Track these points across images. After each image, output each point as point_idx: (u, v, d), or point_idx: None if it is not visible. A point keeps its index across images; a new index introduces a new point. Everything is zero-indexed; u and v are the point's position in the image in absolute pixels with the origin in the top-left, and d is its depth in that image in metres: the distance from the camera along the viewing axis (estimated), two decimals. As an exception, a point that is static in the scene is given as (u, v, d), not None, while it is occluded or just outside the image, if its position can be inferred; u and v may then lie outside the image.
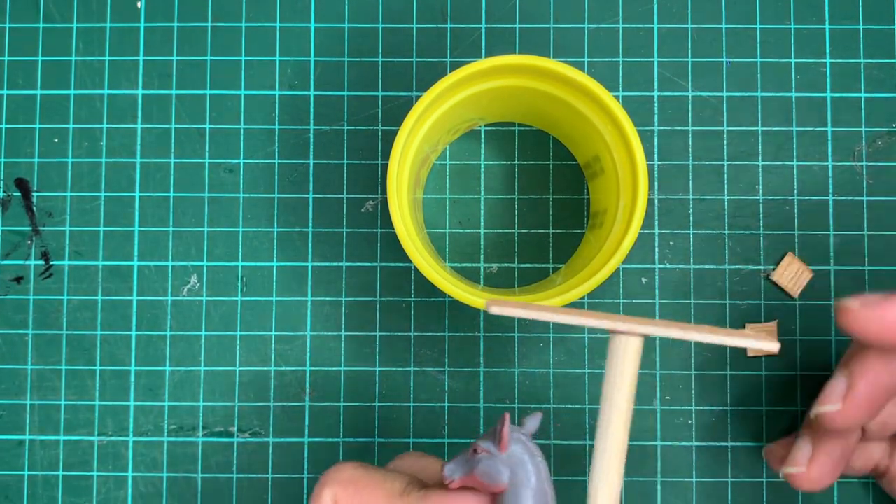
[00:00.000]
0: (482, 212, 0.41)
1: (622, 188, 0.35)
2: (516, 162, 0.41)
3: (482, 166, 0.41)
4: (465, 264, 0.41)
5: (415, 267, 0.40)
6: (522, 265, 0.41)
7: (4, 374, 0.40)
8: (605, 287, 0.40)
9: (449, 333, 0.40)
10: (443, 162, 0.41)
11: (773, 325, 0.38)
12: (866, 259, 0.41)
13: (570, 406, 0.40)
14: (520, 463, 0.27)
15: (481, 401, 0.40)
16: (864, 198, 0.41)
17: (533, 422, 0.28)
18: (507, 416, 0.27)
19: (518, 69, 0.35)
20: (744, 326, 0.40)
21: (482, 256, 0.41)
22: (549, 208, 0.41)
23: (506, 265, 0.41)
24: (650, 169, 0.41)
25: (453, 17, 0.42)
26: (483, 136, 0.41)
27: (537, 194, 0.41)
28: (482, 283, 0.41)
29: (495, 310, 0.26)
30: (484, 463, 0.27)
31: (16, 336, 0.41)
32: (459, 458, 0.28)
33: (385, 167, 0.41)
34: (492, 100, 0.37)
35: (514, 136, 0.41)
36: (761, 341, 0.25)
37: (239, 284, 0.41)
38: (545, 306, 0.27)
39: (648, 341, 0.40)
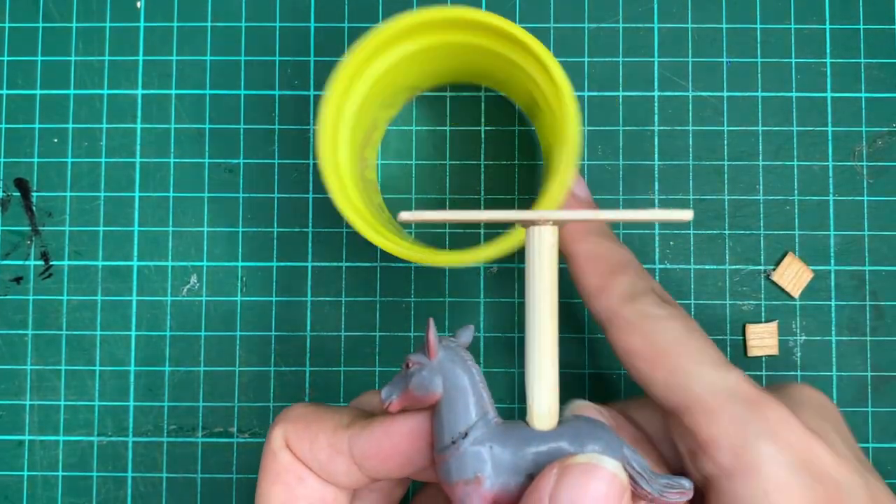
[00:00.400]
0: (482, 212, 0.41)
1: (557, 130, 0.34)
2: (515, 162, 0.41)
3: (482, 166, 0.41)
4: (465, 264, 0.41)
5: (415, 267, 0.40)
6: (522, 265, 0.41)
7: (4, 374, 0.40)
8: (606, 287, 0.40)
9: (449, 334, 0.40)
10: (432, 162, 0.41)
11: (773, 325, 0.38)
12: (866, 259, 0.41)
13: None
14: (451, 368, 0.26)
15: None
16: (865, 198, 0.41)
17: (466, 333, 0.28)
18: (431, 321, 0.26)
19: (445, 23, 0.34)
20: (744, 328, 0.40)
21: (482, 256, 0.41)
22: (549, 208, 0.41)
23: (506, 265, 0.41)
24: (651, 169, 0.41)
25: (453, 16, 0.42)
26: (483, 138, 0.41)
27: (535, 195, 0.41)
28: (482, 282, 0.40)
29: (405, 216, 0.25)
30: (416, 375, 0.26)
31: (15, 336, 0.41)
32: (394, 379, 0.27)
33: (385, 167, 0.41)
34: (424, 60, 0.36)
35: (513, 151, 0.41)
36: (671, 211, 0.25)
37: (239, 284, 0.41)
38: (456, 211, 0.27)
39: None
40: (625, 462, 0.25)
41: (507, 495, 0.25)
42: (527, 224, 0.26)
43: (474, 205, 0.41)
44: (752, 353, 0.40)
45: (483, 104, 0.41)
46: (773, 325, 0.40)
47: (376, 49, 0.34)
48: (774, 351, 0.39)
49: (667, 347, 0.29)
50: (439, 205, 0.41)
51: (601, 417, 0.28)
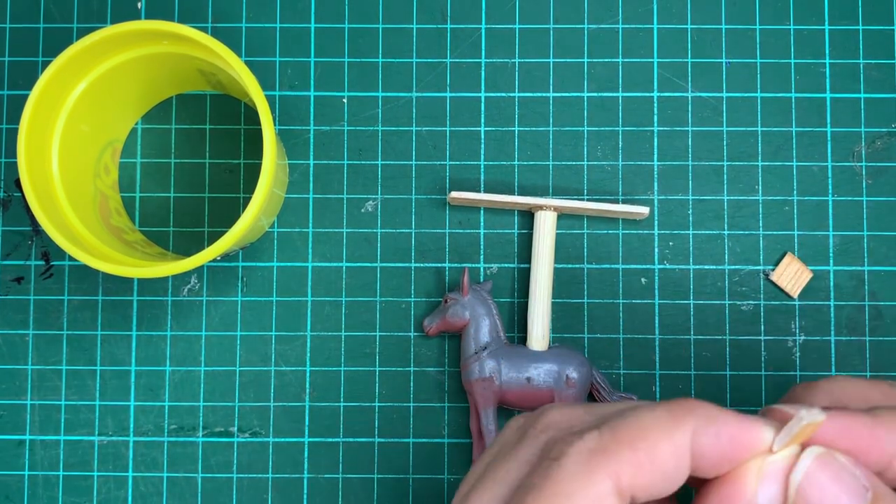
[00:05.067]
0: (482, 212, 0.41)
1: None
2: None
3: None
4: (465, 264, 0.41)
5: (415, 267, 0.40)
6: (522, 265, 0.41)
7: (5, 374, 0.40)
8: (605, 287, 0.40)
9: (448, 333, 0.40)
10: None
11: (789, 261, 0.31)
12: (866, 259, 0.41)
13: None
14: (476, 304, 0.39)
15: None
16: (864, 198, 0.41)
17: (487, 283, 0.39)
18: (467, 269, 0.39)
19: (132, 37, 0.35)
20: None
21: (482, 256, 0.41)
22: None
23: (506, 265, 0.41)
24: (651, 169, 0.41)
25: (453, 17, 0.42)
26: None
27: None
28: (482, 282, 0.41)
29: (455, 195, 0.39)
30: (451, 308, 0.39)
31: (16, 336, 0.41)
32: (434, 312, 0.39)
33: (385, 167, 0.41)
34: (129, 74, 0.38)
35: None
36: (631, 207, 0.39)
37: (239, 284, 0.41)
38: (491, 195, 0.39)
39: (649, 343, 0.40)
40: (593, 377, 0.39)
41: (509, 391, 0.38)
42: (535, 208, 0.39)
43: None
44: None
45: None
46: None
47: (70, 67, 0.35)
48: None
49: None
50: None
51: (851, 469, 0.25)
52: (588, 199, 0.40)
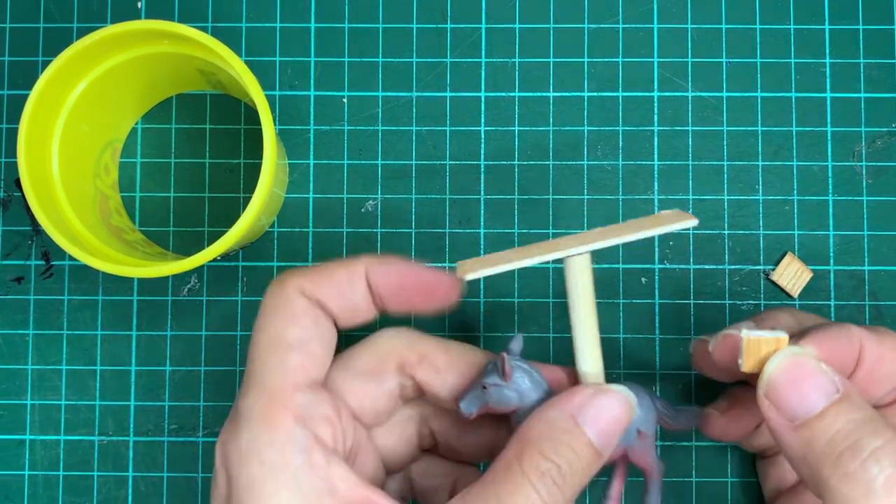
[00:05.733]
0: (482, 212, 0.41)
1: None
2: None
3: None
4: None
5: (415, 267, 0.40)
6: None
7: (5, 374, 0.40)
8: (605, 286, 0.40)
9: (449, 333, 0.40)
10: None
11: (784, 337, 0.32)
12: (866, 259, 0.41)
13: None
14: (523, 384, 0.32)
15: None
16: (864, 198, 0.41)
17: (516, 343, 0.33)
18: (505, 356, 0.31)
19: (132, 36, 0.35)
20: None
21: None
22: (549, 208, 0.41)
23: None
24: (651, 169, 0.41)
25: (453, 17, 0.42)
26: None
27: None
28: (482, 283, 0.41)
29: (467, 277, 0.31)
30: (495, 394, 0.31)
31: (16, 336, 0.41)
32: (470, 394, 0.32)
33: (385, 167, 0.41)
34: (128, 74, 0.38)
35: (514, 136, 0.41)
36: (677, 221, 0.30)
37: (239, 284, 0.41)
38: (508, 264, 0.31)
39: (649, 343, 0.40)
40: (658, 410, 0.33)
41: None
42: (566, 257, 0.31)
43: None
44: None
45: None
46: (786, 337, 0.35)
47: (70, 67, 0.35)
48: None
49: None
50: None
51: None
52: (621, 224, 0.33)
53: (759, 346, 0.29)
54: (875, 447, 0.27)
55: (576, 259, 0.31)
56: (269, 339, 0.30)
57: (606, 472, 0.35)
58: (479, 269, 0.31)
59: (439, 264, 0.41)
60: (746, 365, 0.30)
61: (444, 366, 0.32)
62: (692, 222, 0.30)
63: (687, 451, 0.40)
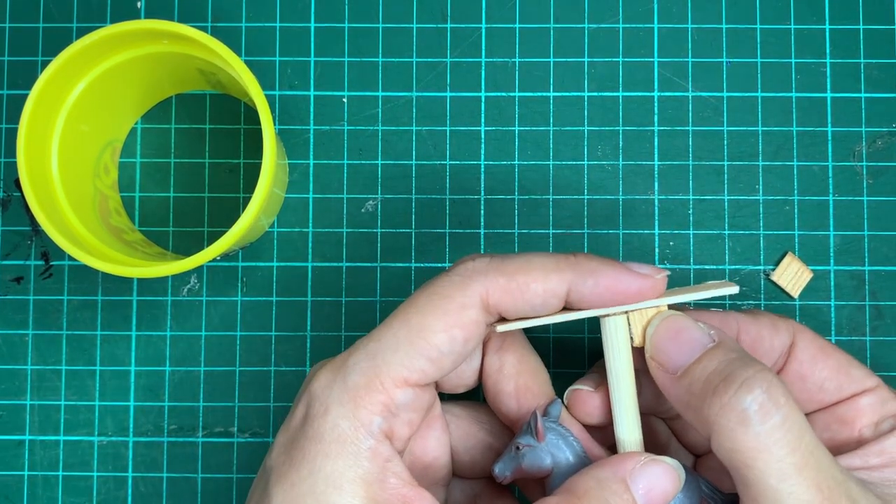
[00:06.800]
0: (482, 212, 0.41)
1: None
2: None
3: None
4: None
5: (415, 267, 0.40)
6: (522, 265, 0.41)
7: (4, 374, 0.40)
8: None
9: (542, 415, 0.40)
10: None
11: (664, 305, 0.33)
12: (866, 259, 0.41)
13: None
14: (557, 446, 0.31)
15: (480, 399, 0.40)
16: (864, 198, 0.41)
17: (556, 407, 0.32)
18: (538, 413, 0.31)
19: (132, 36, 0.35)
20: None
21: (482, 256, 0.41)
22: (549, 208, 0.41)
23: (506, 265, 0.41)
24: (651, 169, 0.41)
25: (453, 17, 0.42)
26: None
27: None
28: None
29: (500, 328, 0.31)
30: (528, 456, 0.31)
31: (16, 336, 0.41)
32: (505, 457, 0.32)
33: (385, 167, 0.41)
34: (127, 74, 0.38)
35: (515, 136, 0.41)
36: (719, 288, 0.31)
37: (239, 285, 0.41)
38: (540, 318, 0.31)
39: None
40: (698, 484, 0.31)
41: None
42: (601, 316, 0.31)
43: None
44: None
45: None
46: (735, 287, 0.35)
47: (69, 67, 0.35)
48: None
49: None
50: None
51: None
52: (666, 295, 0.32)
53: (644, 317, 0.31)
54: (746, 377, 0.28)
55: (611, 319, 0.31)
56: (428, 325, 0.29)
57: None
58: (515, 323, 0.31)
59: (439, 264, 0.41)
60: (637, 339, 0.31)
61: (533, 287, 0.30)
62: (733, 290, 0.30)
63: None
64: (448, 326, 0.29)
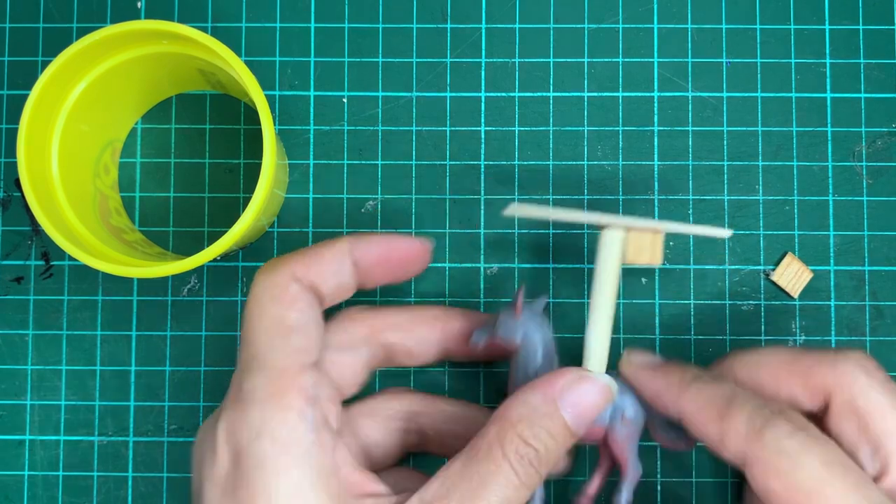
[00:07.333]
0: (482, 212, 0.41)
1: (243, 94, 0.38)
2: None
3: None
4: (465, 264, 0.41)
5: (415, 267, 0.40)
6: (523, 265, 0.41)
7: (5, 374, 0.40)
8: (605, 287, 0.40)
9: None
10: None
11: (660, 234, 0.34)
12: (866, 259, 0.41)
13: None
14: (530, 324, 0.34)
15: (481, 400, 0.40)
16: (864, 198, 0.41)
17: (541, 301, 0.35)
18: (522, 289, 0.34)
19: (133, 36, 0.35)
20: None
21: (482, 256, 0.41)
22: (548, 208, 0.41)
23: (506, 265, 0.41)
24: (651, 169, 0.41)
25: (453, 17, 0.42)
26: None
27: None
28: (482, 282, 0.40)
29: (512, 209, 0.35)
30: (502, 326, 0.34)
31: (16, 336, 0.41)
32: (482, 327, 0.35)
33: (385, 167, 0.41)
34: (129, 73, 0.38)
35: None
36: (713, 229, 0.34)
37: (239, 284, 0.41)
38: (558, 209, 0.36)
39: (649, 343, 0.40)
40: (648, 416, 0.34)
41: None
42: (602, 226, 0.34)
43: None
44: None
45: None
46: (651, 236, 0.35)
47: (69, 67, 0.35)
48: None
49: (808, 491, 0.28)
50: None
51: (652, 362, 0.34)
52: (660, 221, 0.35)
53: (640, 239, 0.33)
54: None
55: (610, 231, 0.33)
56: (271, 323, 0.31)
57: (586, 471, 0.35)
58: (523, 211, 0.35)
59: (439, 264, 0.41)
60: (629, 255, 0.33)
61: (408, 324, 0.36)
62: (726, 233, 0.34)
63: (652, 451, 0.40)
64: (286, 308, 0.32)
